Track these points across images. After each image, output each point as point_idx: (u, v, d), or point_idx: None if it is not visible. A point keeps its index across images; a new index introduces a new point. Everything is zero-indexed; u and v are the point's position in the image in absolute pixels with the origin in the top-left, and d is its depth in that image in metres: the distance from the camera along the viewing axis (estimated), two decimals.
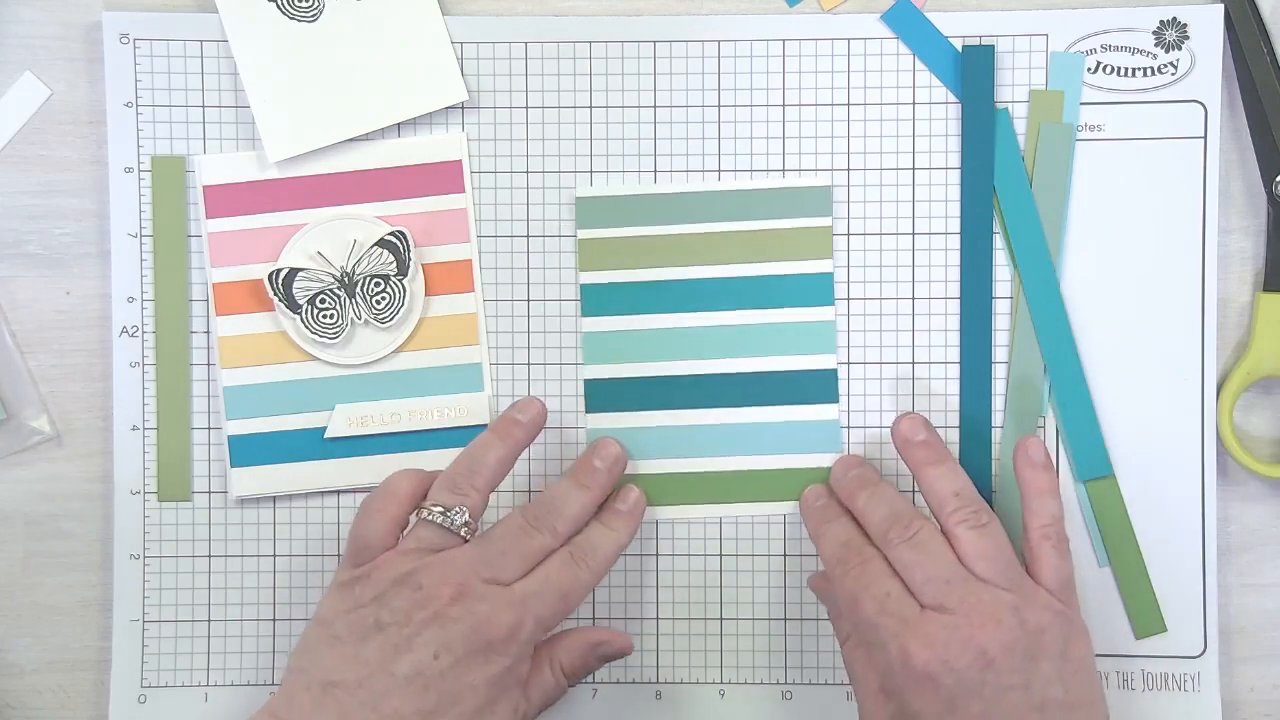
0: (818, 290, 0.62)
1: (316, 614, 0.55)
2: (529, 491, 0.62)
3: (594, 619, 0.62)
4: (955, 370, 0.62)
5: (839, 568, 0.56)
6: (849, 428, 0.62)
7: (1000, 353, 0.61)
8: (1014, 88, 0.61)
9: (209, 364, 0.62)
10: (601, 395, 0.62)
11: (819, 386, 0.62)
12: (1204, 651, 0.61)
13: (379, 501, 0.56)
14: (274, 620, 0.62)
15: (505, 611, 0.53)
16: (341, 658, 0.52)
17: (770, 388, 0.62)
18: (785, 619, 0.62)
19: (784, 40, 0.61)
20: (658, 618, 0.62)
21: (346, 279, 0.61)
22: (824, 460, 0.62)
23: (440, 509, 0.55)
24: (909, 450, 0.57)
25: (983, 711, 0.51)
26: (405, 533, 0.56)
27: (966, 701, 0.51)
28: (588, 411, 0.62)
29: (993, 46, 0.61)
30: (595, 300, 0.62)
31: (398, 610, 0.53)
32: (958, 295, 0.61)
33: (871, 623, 0.53)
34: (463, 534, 0.55)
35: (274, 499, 0.62)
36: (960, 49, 0.61)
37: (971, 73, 0.61)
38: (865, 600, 0.54)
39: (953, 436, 0.62)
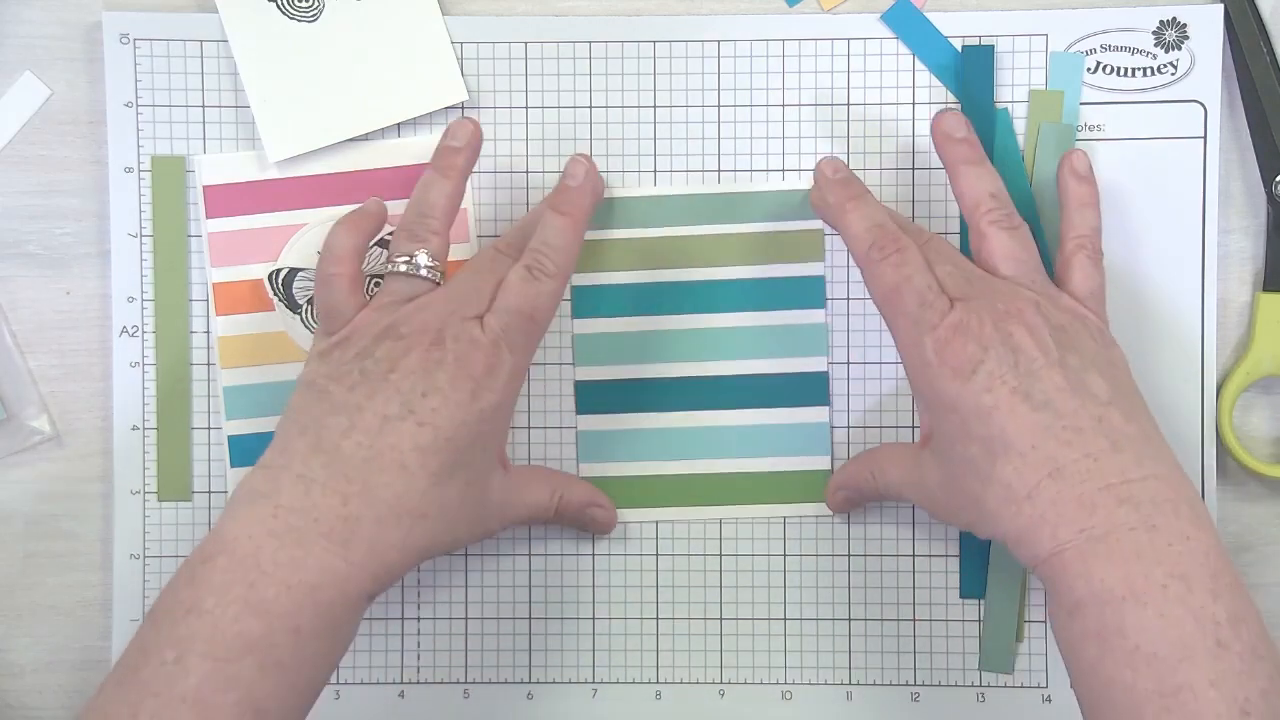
0: (808, 293, 0.62)
1: (299, 379, 0.55)
2: None
3: (594, 618, 0.62)
4: None
5: (873, 251, 0.55)
6: (841, 428, 0.62)
7: None
8: (1014, 88, 0.61)
9: (209, 364, 0.62)
10: (592, 397, 0.62)
11: (809, 389, 0.62)
12: None
13: (329, 265, 0.56)
14: None
15: (481, 349, 0.53)
16: (331, 406, 0.52)
17: (760, 390, 0.62)
18: (785, 619, 0.62)
19: (784, 40, 0.61)
20: (658, 618, 0.62)
21: None
22: (812, 463, 0.62)
23: (404, 258, 0.55)
24: (948, 147, 0.57)
25: (1020, 385, 0.50)
26: (377, 289, 0.56)
27: (1002, 376, 0.50)
28: (578, 413, 0.62)
29: (992, 47, 0.61)
30: (586, 301, 0.62)
31: (381, 359, 0.52)
32: None
33: (912, 316, 0.53)
34: (432, 277, 0.55)
35: None
36: (960, 49, 0.61)
37: (972, 73, 0.61)
38: (906, 292, 0.53)
39: None
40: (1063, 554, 0.49)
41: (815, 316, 0.62)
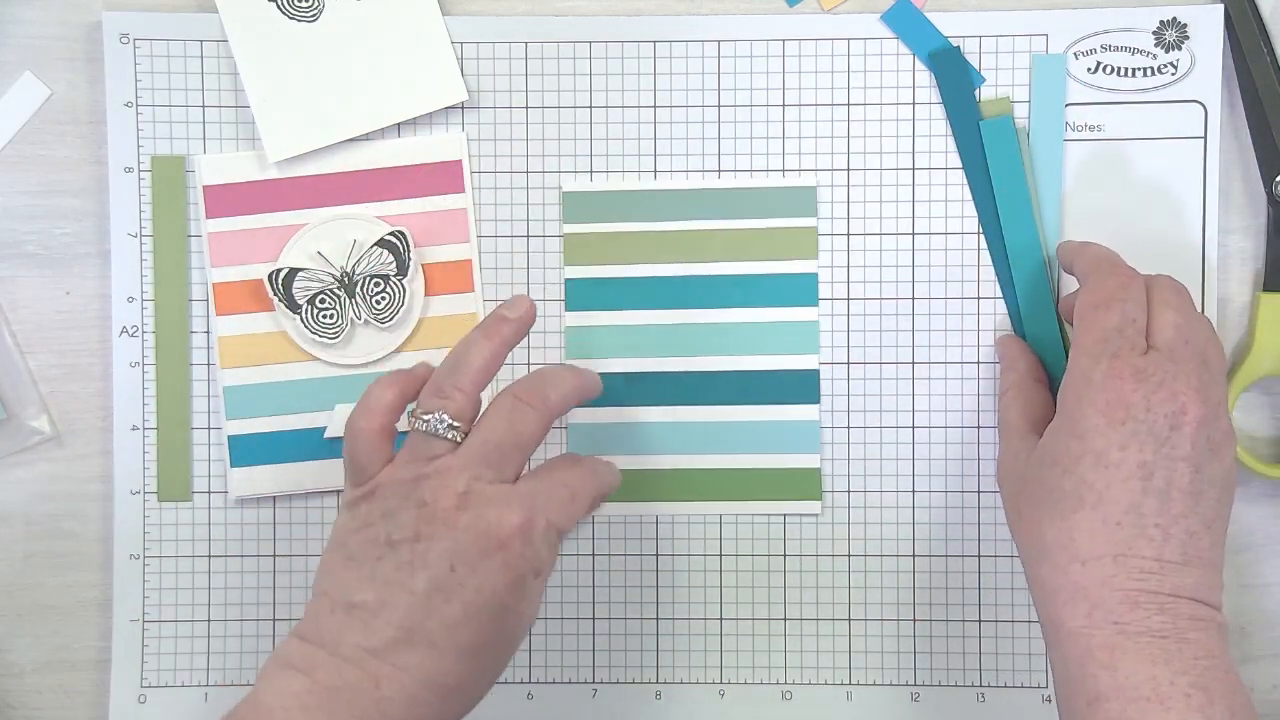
0: (801, 290, 0.62)
1: (331, 537, 0.54)
2: None
3: (594, 618, 0.62)
4: (941, 370, 0.62)
5: (1106, 264, 0.54)
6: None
7: (986, 353, 0.61)
8: (1014, 88, 0.61)
9: (209, 364, 0.62)
10: None
11: (800, 386, 0.62)
12: None
13: (361, 419, 0.54)
14: (274, 620, 0.62)
15: (514, 511, 0.52)
16: (359, 578, 0.51)
17: (751, 387, 0.62)
18: (785, 619, 0.62)
19: (784, 40, 0.61)
20: (658, 618, 0.62)
21: (346, 279, 0.61)
22: (802, 461, 0.62)
23: (426, 416, 0.54)
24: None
25: (1150, 461, 0.50)
26: (403, 445, 0.55)
27: (1140, 445, 0.50)
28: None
29: (959, 49, 0.61)
30: (579, 295, 0.62)
31: (406, 526, 0.52)
32: (956, 295, 0.61)
33: (1104, 333, 0.52)
34: (451, 437, 0.53)
35: (274, 499, 0.62)
36: (928, 57, 0.61)
37: (945, 78, 0.61)
38: (1115, 309, 0.52)
39: (953, 437, 0.62)
40: (1090, 637, 0.50)
41: (808, 314, 0.62)
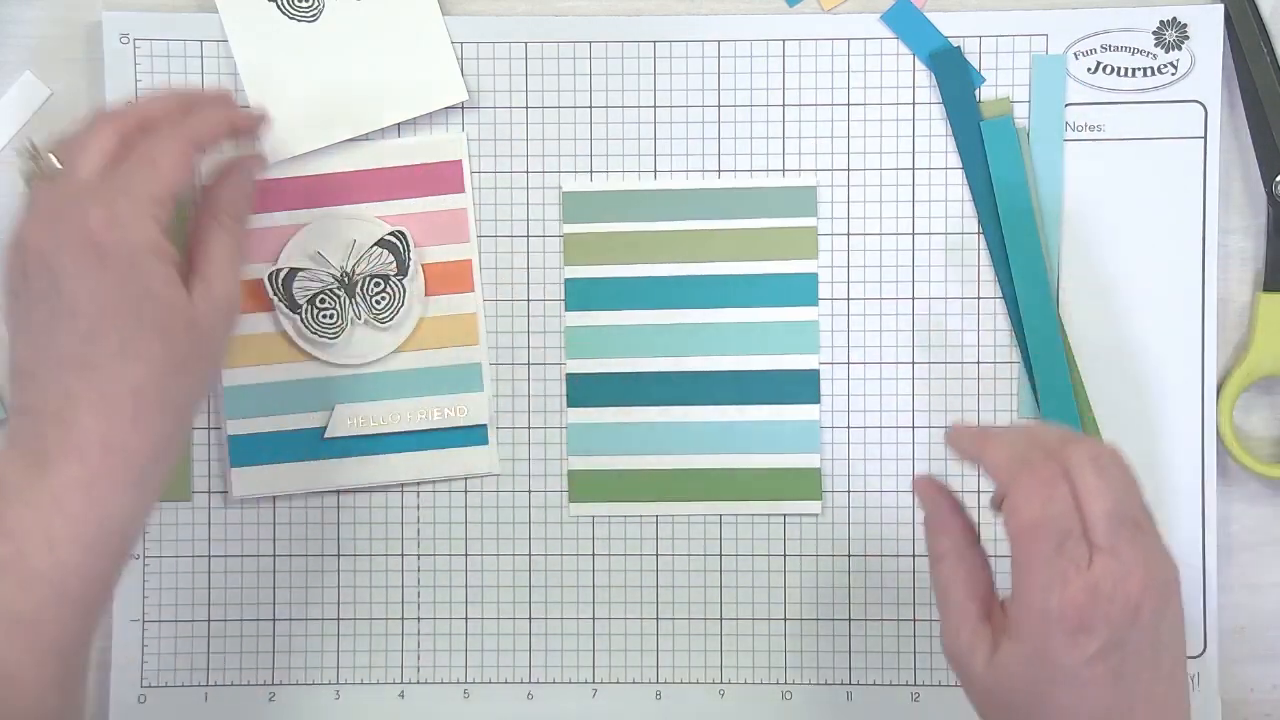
0: (801, 290, 0.62)
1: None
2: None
3: (594, 618, 0.62)
4: (941, 370, 0.62)
5: (1024, 468, 0.49)
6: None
7: (986, 353, 0.61)
8: (1014, 88, 0.61)
9: None
10: (583, 390, 0.62)
11: (800, 386, 0.62)
12: (1204, 651, 0.61)
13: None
14: (274, 620, 0.62)
15: (95, 205, 0.50)
16: (14, 337, 0.51)
17: (751, 386, 0.62)
18: (785, 619, 0.62)
19: (784, 40, 0.61)
20: (657, 618, 0.62)
21: (346, 279, 0.61)
22: (802, 461, 0.62)
23: (22, 162, 0.53)
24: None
25: (1119, 663, 0.48)
26: None
27: (1108, 655, 0.48)
28: (569, 406, 0.62)
29: (959, 49, 0.61)
30: (579, 295, 0.62)
31: (15, 276, 0.51)
32: (956, 295, 0.61)
33: (1045, 559, 0.48)
34: (48, 168, 0.52)
35: (274, 499, 0.62)
36: (929, 57, 0.61)
37: (946, 79, 0.61)
38: (1046, 534, 0.48)
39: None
40: None
41: (808, 314, 0.62)
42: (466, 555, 0.62)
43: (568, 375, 0.62)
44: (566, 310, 0.62)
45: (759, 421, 0.62)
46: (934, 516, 0.53)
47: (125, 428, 0.49)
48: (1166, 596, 0.50)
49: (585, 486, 0.62)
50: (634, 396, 0.62)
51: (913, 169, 0.61)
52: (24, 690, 0.48)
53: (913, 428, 0.62)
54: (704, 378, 0.62)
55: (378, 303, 0.61)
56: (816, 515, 0.62)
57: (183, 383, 0.51)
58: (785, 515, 0.62)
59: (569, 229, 0.62)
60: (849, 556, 0.62)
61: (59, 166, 0.52)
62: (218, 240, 0.54)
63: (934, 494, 0.53)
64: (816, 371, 0.62)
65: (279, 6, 0.61)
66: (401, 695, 0.62)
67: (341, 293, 0.61)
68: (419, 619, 0.62)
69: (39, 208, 0.51)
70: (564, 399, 0.62)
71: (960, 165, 0.61)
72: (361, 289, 0.61)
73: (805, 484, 0.62)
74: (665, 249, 0.62)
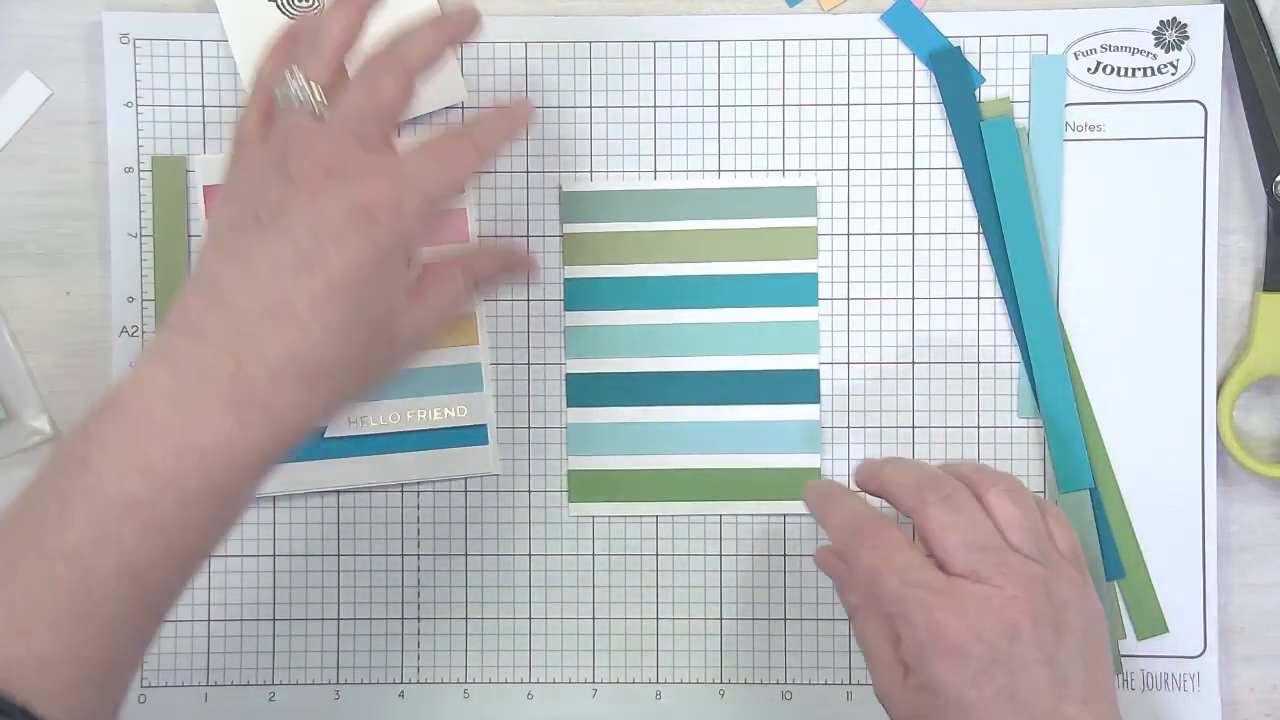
0: (801, 290, 0.62)
1: (205, 229, 0.51)
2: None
3: (593, 618, 0.62)
4: (941, 370, 0.62)
5: (853, 538, 0.53)
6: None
7: (986, 353, 0.61)
8: (1014, 88, 0.61)
9: None
10: (582, 389, 0.62)
11: (800, 386, 0.62)
12: (1204, 651, 0.61)
13: (250, 92, 0.53)
14: (274, 620, 0.62)
15: (382, 181, 0.49)
16: (225, 256, 0.49)
17: (751, 386, 0.62)
18: (785, 619, 0.62)
19: (784, 40, 0.61)
20: (657, 618, 0.62)
21: None
22: (802, 461, 0.62)
23: (282, 88, 0.51)
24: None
25: (1007, 684, 0.49)
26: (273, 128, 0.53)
27: (992, 674, 0.49)
28: (568, 405, 0.62)
29: (958, 48, 0.61)
30: (579, 295, 0.62)
31: (271, 200, 0.49)
32: (956, 295, 0.61)
33: (897, 595, 0.51)
34: (312, 108, 0.50)
35: (274, 499, 0.62)
36: (929, 57, 0.61)
37: (946, 79, 0.61)
38: (886, 573, 0.51)
39: (953, 437, 0.62)
40: None
41: (808, 314, 0.62)
42: (466, 555, 0.62)
43: (567, 375, 0.62)
44: (566, 310, 0.62)
45: (759, 422, 0.62)
46: (837, 579, 0.56)
47: (288, 396, 0.48)
48: (1060, 622, 0.50)
49: (585, 486, 0.62)
50: (634, 396, 0.62)
51: (913, 169, 0.61)
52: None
53: (913, 428, 0.62)
54: (704, 378, 0.62)
55: None
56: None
57: (352, 385, 0.50)
58: (785, 515, 0.62)
59: (568, 229, 0.62)
60: None
61: (319, 113, 0.51)
62: (452, 289, 0.55)
63: (832, 562, 0.57)
64: (816, 371, 0.62)
65: (279, 6, 0.61)
66: (401, 695, 0.62)
67: None
68: (419, 619, 0.62)
69: (312, 144, 0.49)
70: (564, 399, 0.62)
71: (960, 165, 0.61)
72: None
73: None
74: (665, 249, 0.62)
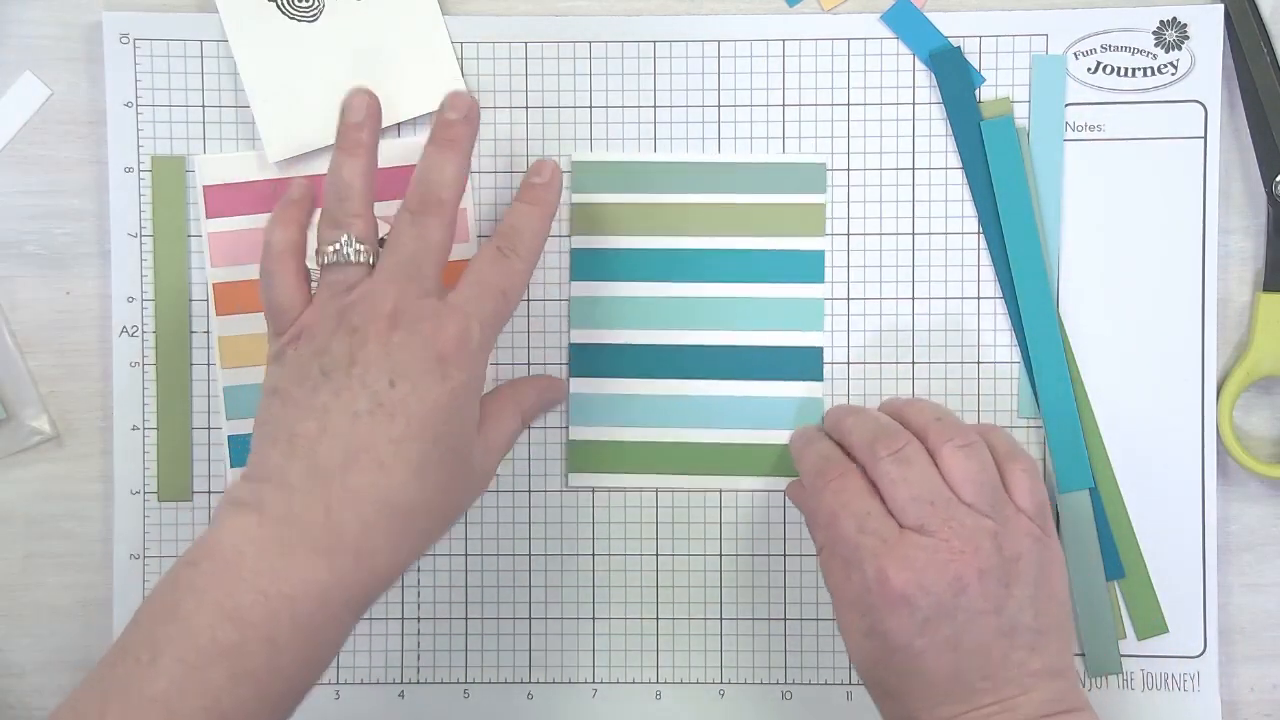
0: (808, 267, 0.62)
1: (263, 388, 0.52)
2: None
3: (594, 618, 0.62)
4: (941, 370, 0.62)
5: (818, 480, 0.55)
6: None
7: (986, 353, 0.61)
8: (1014, 88, 0.61)
9: (209, 364, 0.62)
10: (586, 359, 0.62)
11: (804, 364, 0.62)
12: (1204, 651, 0.61)
13: (270, 262, 0.54)
14: None
15: (449, 321, 0.51)
16: (299, 412, 0.50)
17: (754, 362, 0.62)
18: (785, 619, 0.62)
19: (784, 40, 0.61)
20: (657, 618, 0.62)
21: None
22: None
23: (332, 247, 0.53)
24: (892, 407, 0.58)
25: (952, 634, 0.51)
26: (314, 286, 0.54)
27: (938, 624, 0.51)
28: (571, 375, 0.62)
29: (959, 49, 0.61)
30: (584, 265, 0.62)
31: (339, 355, 0.50)
32: (956, 295, 0.61)
33: (850, 541, 0.52)
34: (362, 260, 0.53)
35: None
36: (929, 57, 0.61)
37: (946, 79, 0.61)
38: (844, 517, 0.53)
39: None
40: None
41: (814, 291, 0.62)
42: (466, 555, 0.62)
43: (571, 345, 0.62)
44: (572, 280, 0.62)
45: (762, 398, 0.62)
46: (806, 515, 0.58)
47: (378, 540, 0.49)
48: (1010, 574, 0.52)
49: (585, 457, 0.62)
50: (637, 368, 0.62)
51: (913, 169, 0.61)
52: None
53: None
54: (708, 351, 0.62)
55: None
56: None
57: (436, 523, 0.52)
58: (785, 515, 0.62)
59: (576, 199, 0.62)
60: None
61: (369, 262, 0.53)
62: (512, 426, 0.57)
63: (801, 497, 0.59)
64: (820, 349, 0.62)
65: (279, 6, 0.61)
66: (401, 695, 0.62)
67: None
68: (419, 619, 0.62)
69: (373, 295, 0.51)
70: (567, 368, 0.62)
71: (960, 165, 0.61)
72: None
73: None
74: (672, 221, 0.62)
